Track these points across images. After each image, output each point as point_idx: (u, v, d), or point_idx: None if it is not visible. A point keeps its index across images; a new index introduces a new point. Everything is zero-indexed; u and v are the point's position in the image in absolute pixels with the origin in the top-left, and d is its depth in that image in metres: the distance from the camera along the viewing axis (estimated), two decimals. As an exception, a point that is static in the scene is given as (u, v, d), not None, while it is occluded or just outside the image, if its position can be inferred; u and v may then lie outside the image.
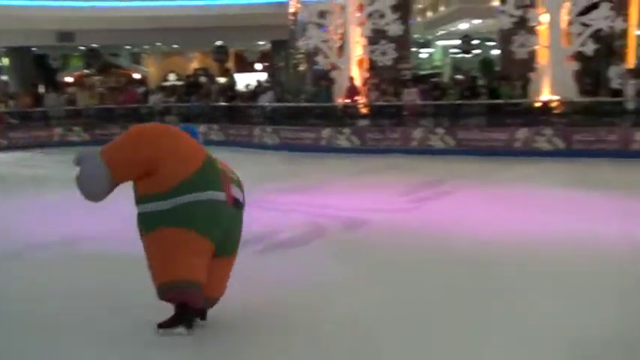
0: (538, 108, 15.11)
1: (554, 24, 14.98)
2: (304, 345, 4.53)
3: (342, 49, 17.53)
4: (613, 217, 7.97)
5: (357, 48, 17.56)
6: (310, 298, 5.37)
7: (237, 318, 5.00)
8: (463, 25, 27.86)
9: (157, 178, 4.55)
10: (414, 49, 24.62)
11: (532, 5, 15.38)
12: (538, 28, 15.33)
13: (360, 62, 17.66)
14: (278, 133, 16.84)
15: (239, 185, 4.85)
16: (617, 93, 14.32)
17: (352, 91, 16.99)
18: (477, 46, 29.75)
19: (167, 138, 4.70)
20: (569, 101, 14.61)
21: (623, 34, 16.18)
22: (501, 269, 6.10)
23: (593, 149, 13.11)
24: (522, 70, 15.96)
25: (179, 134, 4.78)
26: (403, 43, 18.54)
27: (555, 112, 14.74)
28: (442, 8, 28.24)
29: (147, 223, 4.63)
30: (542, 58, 15.33)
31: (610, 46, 16.16)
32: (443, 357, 4.35)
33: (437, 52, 34.67)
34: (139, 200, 4.66)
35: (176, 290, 4.55)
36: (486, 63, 22.53)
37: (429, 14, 29.61)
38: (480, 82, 17.40)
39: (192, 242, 4.53)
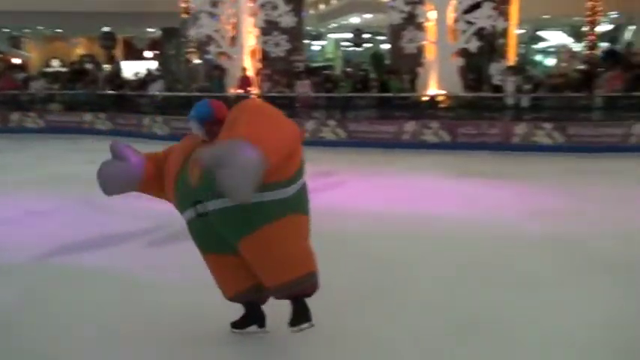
0: (425, 102, 15.62)
1: (441, 21, 15.51)
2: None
3: (235, 39, 17.38)
4: (493, 204, 8.40)
5: (250, 38, 17.46)
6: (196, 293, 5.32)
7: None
8: (355, 19, 28.30)
9: (288, 163, 3.93)
10: (306, 41, 24.76)
11: (421, 2, 15.84)
12: (426, 24, 15.81)
13: (253, 53, 17.58)
14: (168, 124, 16.47)
15: None
16: (498, 89, 15.04)
17: (245, 82, 16.89)
18: (367, 40, 30.33)
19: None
20: (454, 96, 15.20)
21: (504, 32, 17.00)
22: (395, 257, 6.29)
23: (475, 142, 13.72)
24: (411, 64, 16.44)
25: None
26: (296, 34, 18.62)
27: (441, 106, 15.29)
28: (334, 1, 28.53)
29: (267, 214, 3.89)
30: (430, 53, 15.85)
31: (492, 43, 16.93)
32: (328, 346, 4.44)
33: (329, 44, 35.05)
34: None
35: (305, 284, 4.05)
36: (377, 57, 22.99)
37: (322, 7, 29.85)
38: (372, 75, 17.76)
39: (308, 228, 4.19)
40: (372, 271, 5.90)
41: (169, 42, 28.98)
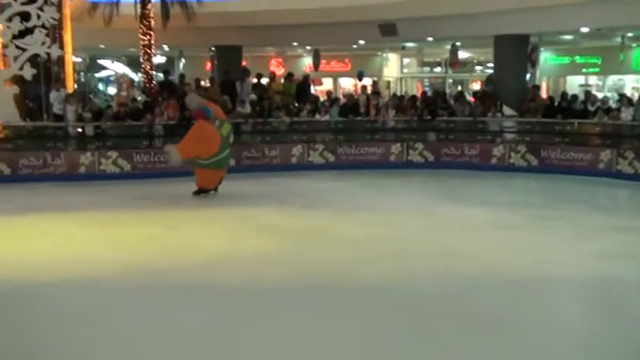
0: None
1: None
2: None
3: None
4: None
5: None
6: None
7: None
8: None
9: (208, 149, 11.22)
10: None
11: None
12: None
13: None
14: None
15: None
16: (60, 117, 14.55)
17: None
18: None
19: None
20: (12, 126, 14.20)
21: (61, 60, 16.43)
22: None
23: (39, 174, 13.10)
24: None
25: None
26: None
27: None
28: None
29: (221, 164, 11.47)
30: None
31: (49, 71, 16.25)
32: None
33: None
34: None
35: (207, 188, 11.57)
36: None
37: None
38: None
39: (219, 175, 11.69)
40: None
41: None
